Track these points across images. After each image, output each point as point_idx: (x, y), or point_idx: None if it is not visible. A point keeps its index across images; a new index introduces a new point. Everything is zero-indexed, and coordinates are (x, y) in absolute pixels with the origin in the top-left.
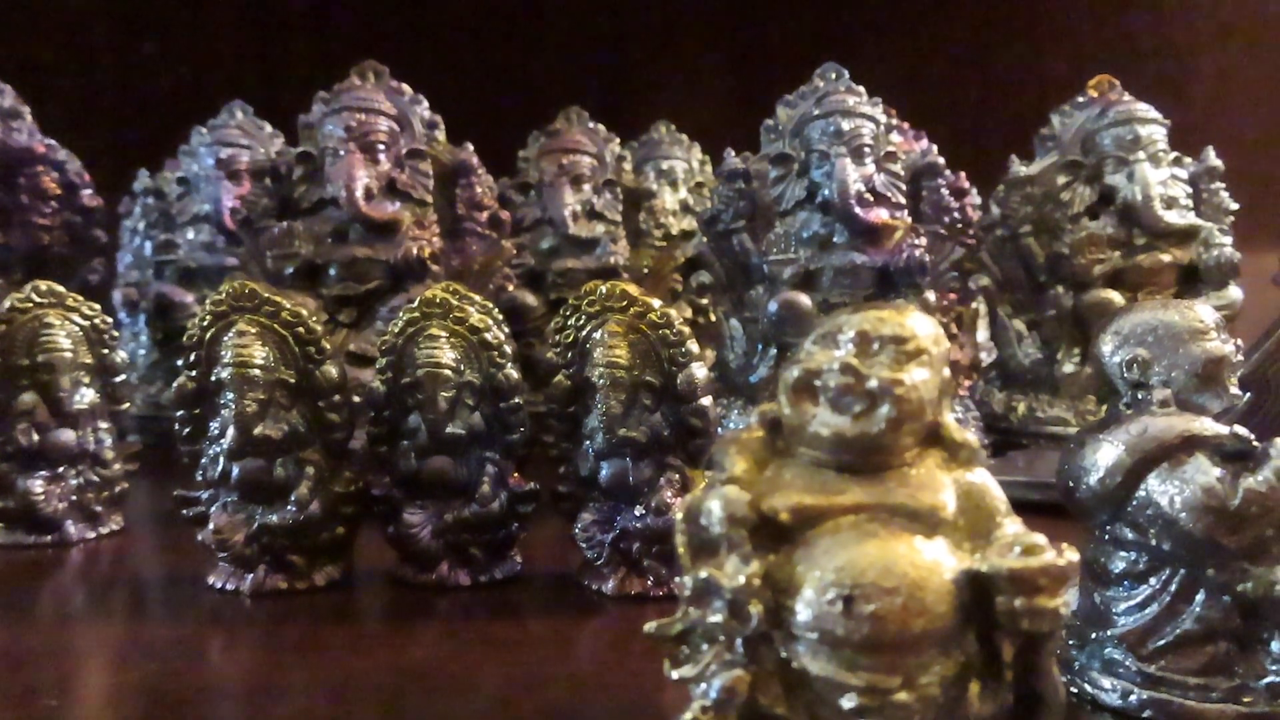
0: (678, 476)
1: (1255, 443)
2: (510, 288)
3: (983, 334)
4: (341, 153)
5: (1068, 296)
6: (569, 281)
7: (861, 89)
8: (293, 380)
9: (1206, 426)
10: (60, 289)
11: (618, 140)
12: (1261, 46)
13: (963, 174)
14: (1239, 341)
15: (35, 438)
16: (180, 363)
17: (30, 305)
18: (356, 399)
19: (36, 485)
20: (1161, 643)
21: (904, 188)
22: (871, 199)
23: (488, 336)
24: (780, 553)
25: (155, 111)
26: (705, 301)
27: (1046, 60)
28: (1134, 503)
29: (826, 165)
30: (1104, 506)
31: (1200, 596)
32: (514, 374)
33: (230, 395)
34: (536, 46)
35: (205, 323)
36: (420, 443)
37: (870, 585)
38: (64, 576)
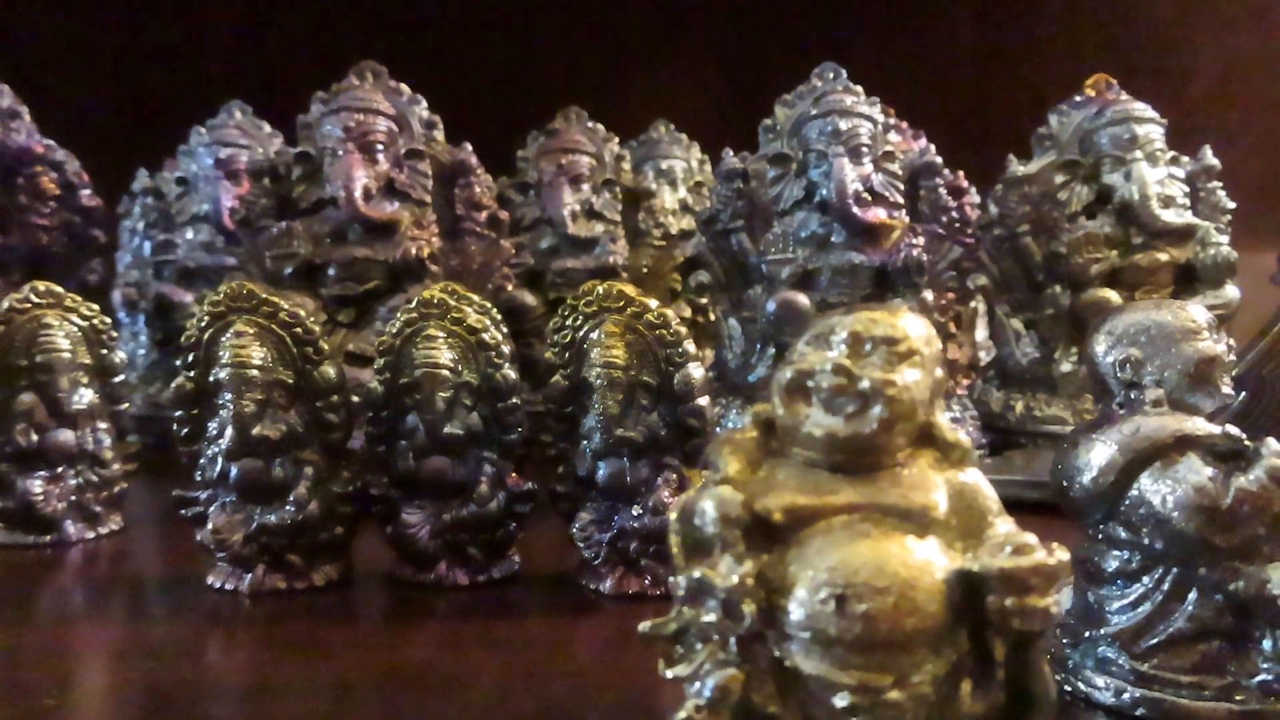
0: (675, 476)
1: (1247, 442)
2: (509, 287)
3: (981, 333)
4: (340, 153)
5: (1065, 295)
6: (568, 281)
7: (859, 88)
8: (291, 380)
9: (1199, 426)
10: (59, 289)
11: (616, 140)
12: (1259, 45)
13: (960, 173)
14: (1231, 341)
15: (34, 438)
16: (179, 363)
17: (29, 305)
18: (355, 399)
19: (35, 485)
20: (1154, 641)
21: (902, 187)
22: (869, 198)
23: (486, 337)
24: (774, 552)
25: (154, 111)
26: (704, 301)
27: (1044, 59)
28: (1127, 502)
29: (824, 165)
30: (1097, 506)
31: (1193, 595)
32: (512, 374)
33: (228, 395)
34: (535, 46)
35: (203, 323)
36: (418, 443)
37: (862, 585)
38: (63, 576)
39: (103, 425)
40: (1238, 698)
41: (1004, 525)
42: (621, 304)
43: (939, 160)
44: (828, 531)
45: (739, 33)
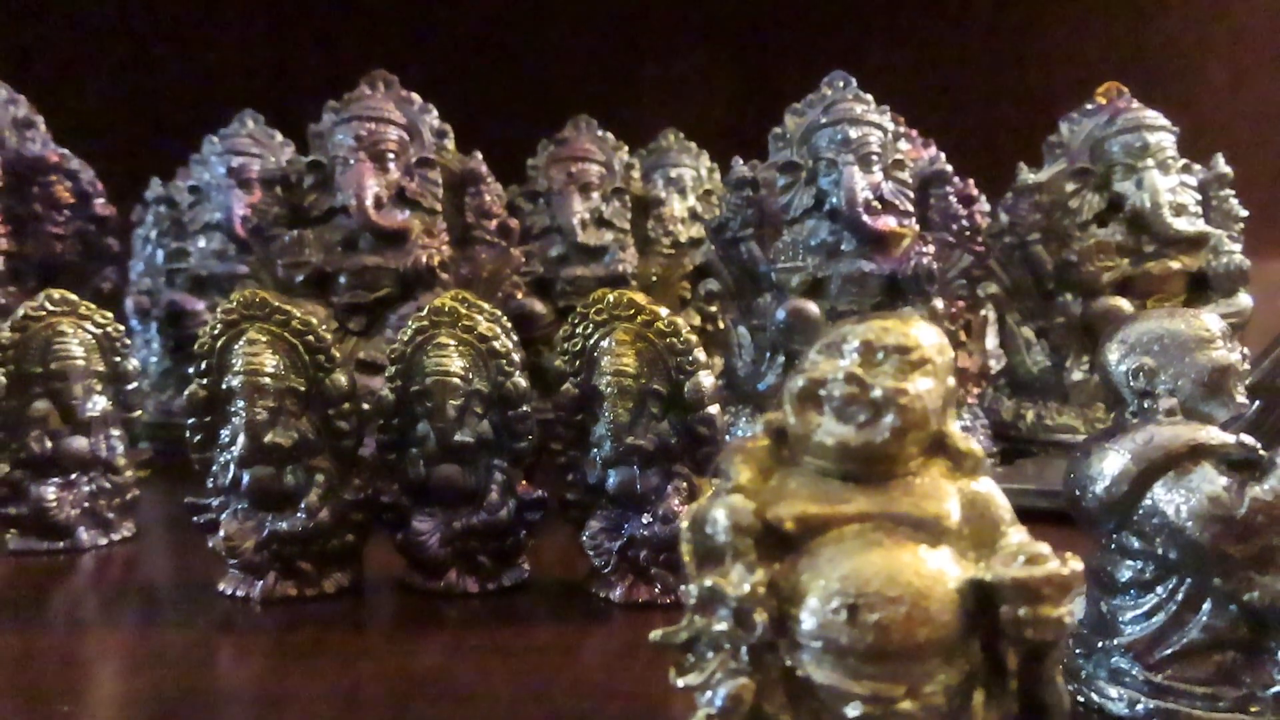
0: (685, 484)
1: (1262, 452)
2: (519, 295)
3: (991, 342)
4: (351, 161)
5: (1076, 304)
6: (578, 289)
7: (869, 97)
8: (302, 388)
9: (1213, 435)
10: (73, 297)
11: (626, 148)
12: (1270, 53)
13: (971, 181)
14: (1245, 350)
15: (48, 445)
16: (191, 370)
17: (43, 313)
18: (366, 407)
19: (49, 492)
20: (1168, 652)
21: (912, 195)
22: (879, 207)
23: (496, 344)
24: (785, 561)
25: (167, 121)
26: (713, 309)
27: (1055, 67)
28: (1140, 511)
29: (834, 173)
30: (1110, 515)
31: (1207, 605)
32: (522, 382)
33: (241, 403)
34: (545, 55)
35: (216, 331)
36: (429, 450)
37: (875, 594)
38: (76, 583)
39: (116, 432)
40: (1253, 709)
41: (1017, 535)
42: (632, 312)
43: (949, 168)
44: (840, 541)
45: (748, 41)
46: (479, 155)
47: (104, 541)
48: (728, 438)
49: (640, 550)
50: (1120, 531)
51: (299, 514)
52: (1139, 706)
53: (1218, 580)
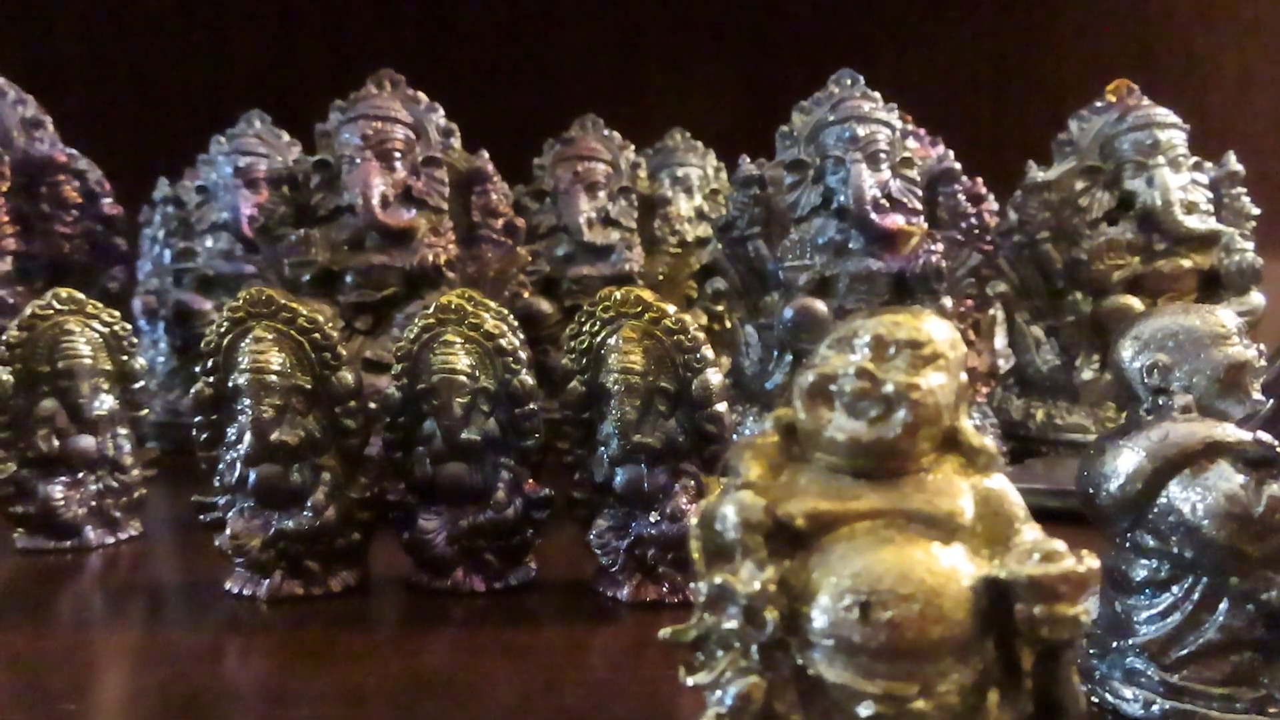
0: (693, 483)
1: (1279, 449)
2: (525, 294)
3: (1000, 340)
4: (358, 160)
5: (1086, 302)
6: (584, 288)
7: (877, 95)
8: (309, 386)
9: (1229, 433)
10: (80, 296)
11: (633, 147)
12: None
13: (979, 179)
14: (1261, 346)
15: (55, 444)
16: (198, 369)
17: (51, 312)
18: (372, 405)
19: (56, 491)
20: (1184, 652)
21: (920, 193)
22: (887, 205)
23: (503, 343)
24: (796, 559)
25: (174, 121)
26: (720, 308)
27: (1064, 65)
28: (1155, 510)
29: (842, 171)
30: (1125, 513)
31: (1223, 605)
32: (529, 380)
33: (247, 401)
34: (551, 54)
35: (223, 329)
36: (435, 449)
37: (887, 592)
38: (83, 581)
39: (123, 431)
40: (1270, 710)
41: (1031, 532)
42: (639, 309)
43: (958, 166)
44: (851, 537)
45: (755, 40)
46: (485, 154)
47: (111, 540)
48: (735, 436)
49: (648, 549)
50: (1135, 530)
51: (305, 512)
52: (1154, 707)
53: (1234, 579)
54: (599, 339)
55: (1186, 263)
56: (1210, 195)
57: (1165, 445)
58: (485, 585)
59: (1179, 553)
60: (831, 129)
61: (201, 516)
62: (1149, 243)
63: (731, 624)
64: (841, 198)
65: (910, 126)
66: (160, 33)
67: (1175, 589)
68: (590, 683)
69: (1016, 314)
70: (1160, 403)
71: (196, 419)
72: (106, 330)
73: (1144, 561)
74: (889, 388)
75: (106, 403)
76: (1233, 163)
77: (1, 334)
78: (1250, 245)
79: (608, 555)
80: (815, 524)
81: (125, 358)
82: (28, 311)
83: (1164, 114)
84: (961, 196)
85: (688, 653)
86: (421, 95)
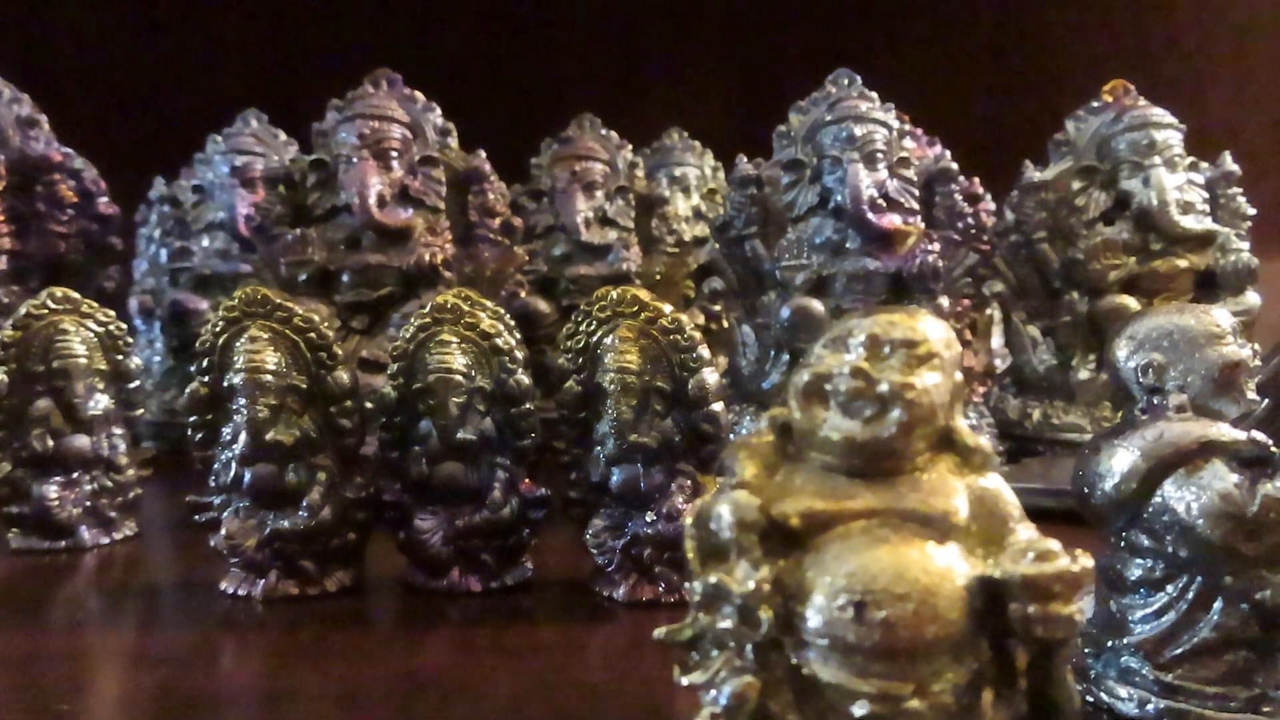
0: (689, 482)
1: (1273, 449)
2: (522, 294)
3: (997, 340)
4: (355, 160)
5: (1083, 302)
6: (581, 288)
7: (874, 94)
8: (305, 386)
9: (1224, 432)
10: (76, 296)
11: (630, 147)
12: (1278, 50)
13: (976, 179)
14: (1256, 346)
15: (50, 443)
16: (193, 369)
17: (46, 311)
18: (368, 404)
19: (51, 491)
20: (1179, 651)
21: (917, 193)
22: (884, 205)
23: (499, 342)
24: (791, 558)
25: (171, 120)
26: (717, 308)
27: (1061, 65)
28: (1150, 509)
29: (839, 171)
30: (1120, 513)
31: (1218, 604)
32: (525, 380)
33: (242, 401)
34: (549, 54)
35: (218, 328)
36: (431, 448)
37: (882, 591)
38: (78, 582)
39: (118, 431)
40: (1265, 709)
41: (1026, 531)
42: (635, 309)
43: (954, 166)
44: (846, 537)
45: (752, 40)
46: (482, 153)
47: (106, 540)
48: (731, 436)
49: (644, 548)
50: (1130, 529)
51: (301, 512)
52: (1149, 706)
53: (1229, 579)
54: (595, 338)
55: (1182, 263)
56: (1206, 195)
57: (1160, 445)
58: (481, 585)
59: (1174, 552)
60: (829, 129)
61: (197, 516)
62: (1145, 243)
63: (726, 623)
64: (839, 197)
65: (907, 126)
66: (156, 32)
67: (1170, 588)
68: (586, 682)
69: (1013, 314)
70: (1155, 402)
71: (192, 419)
72: (102, 330)
73: (1139, 561)
74: (884, 387)
75: (101, 402)
76: (1228, 163)
77: None
78: (1246, 245)
79: (604, 555)
80: (810, 523)
81: (120, 357)
82: (22, 311)
83: (1160, 114)
84: (958, 196)
85: (683, 652)
86: (418, 95)
